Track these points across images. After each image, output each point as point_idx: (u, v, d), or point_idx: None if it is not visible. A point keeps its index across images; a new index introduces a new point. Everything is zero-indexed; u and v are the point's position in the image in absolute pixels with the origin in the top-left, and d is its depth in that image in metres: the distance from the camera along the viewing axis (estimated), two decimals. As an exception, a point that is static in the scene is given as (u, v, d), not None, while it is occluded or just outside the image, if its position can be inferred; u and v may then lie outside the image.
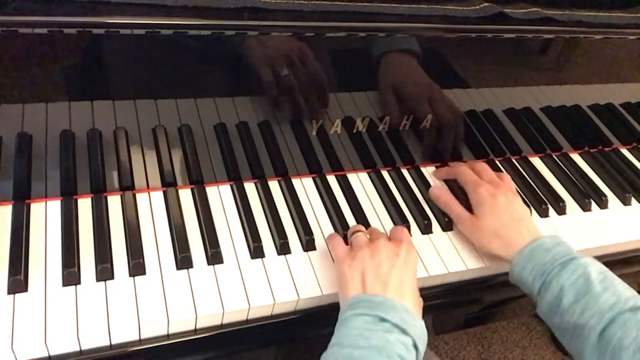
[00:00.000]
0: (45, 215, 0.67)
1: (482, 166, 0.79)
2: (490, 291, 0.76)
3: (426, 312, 0.69)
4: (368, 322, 0.54)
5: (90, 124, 0.65)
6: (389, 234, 0.68)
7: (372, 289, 0.57)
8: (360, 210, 0.77)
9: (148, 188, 0.73)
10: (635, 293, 0.59)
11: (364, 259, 0.60)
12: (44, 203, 0.69)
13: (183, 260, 0.65)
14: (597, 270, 0.62)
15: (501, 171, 0.89)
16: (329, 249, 0.69)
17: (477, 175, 0.77)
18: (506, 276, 0.69)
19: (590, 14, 0.76)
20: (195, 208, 0.72)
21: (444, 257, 0.73)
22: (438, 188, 0.79)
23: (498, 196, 0.71)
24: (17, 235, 0.64)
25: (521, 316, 0.68)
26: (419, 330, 0.56)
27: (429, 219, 0.77)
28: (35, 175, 0.67)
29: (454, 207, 0.75)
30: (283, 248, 0.69)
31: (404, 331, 0.54)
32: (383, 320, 0.54)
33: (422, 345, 0.56)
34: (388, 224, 0.77)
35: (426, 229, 0.76)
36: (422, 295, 0.68)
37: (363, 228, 0.68)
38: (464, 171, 0.78)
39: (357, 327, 0.54)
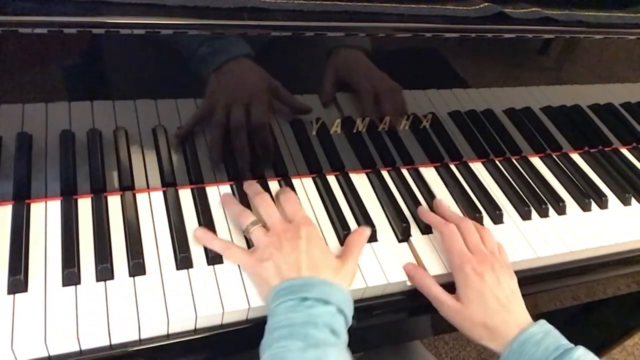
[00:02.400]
0: (45, 215, 0.67)
1: (467, 227, 0.71)
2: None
3: (426, 312, 0.70)
4: (291, 305, 0.57)
5: (90, 124, 0.65)
6: (283, 205, 0.69)
7: (288, 276, 0.60)
8: (360, 210, 0.77)
9: (148, 188, 0.73)
10: None
11: (272, 256, 0.62)
12: (44, 203, 0.69)
13: (183, 260, 0.65)
14: None
15: (502, 171, 0.89)
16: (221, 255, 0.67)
17: (462, 237, 0.70)
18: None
19: (590, 14, 0.76)
20: (195, 208, 0.72)
21: (443, 257, 0.72)
22: (413, 265, 0.71)
23: (485, 275, 0.65)
24: (17, 235, 0.64)
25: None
26: (342, 295, 0.59)
27: (429, 219, 0.77)
28: (35, 175, 0.67)
29: (432, 290, 0.67)
30: (283, 248, 0.69)
31: (326, 302, 0.57)
32: (304, 299, 0.57)
33: (348, 307, 0.59)
34: (388, 225, 0.77)
35: (426, 229, 0.76)
36: (422, 295, 0.69)
37: (250, 215, 0.68)
38: (451, 234, 0.70)
39: (282, 313, 0.57)
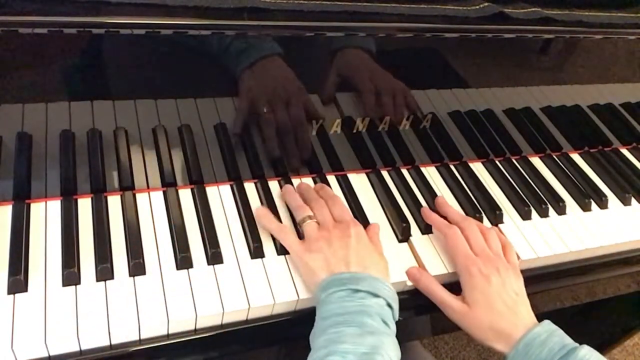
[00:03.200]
0: (45, 215, 0.67)
1: (472, 229, 0.72)
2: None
3: (426, 312, 0.70)
4: (343, 295, 0.59)
5: (90, 124, 0.65)
6: (331, 207, 0.71)
7: (338, 270, 0.62)
8: (360, 210, 0.77)
9: (148, 188, 0.73)
10: None
11: (321, 250, 0.65)
12: (44, 203, 0.69)
13: (183, 260, 0.65)
14: None
15: (502, 171, 0.89)
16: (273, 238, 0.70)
17: (466, 238, 0.71)
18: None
19: (590, 14, 0.76)
20: (195, 208, 0.72)
21: (443, 257, 0.72)
22: (417, 269, 0.70)
23: (491, 277, 0.66)
24: (17, 235, 0.64)
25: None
26: (389, 291, 0.61)
27: (429, 219, 0.77)
28: (35, 175, 0.67)
29: (438, 293, 0.67)
30: (283, 248, 0.69)
31: (376, 295, 0.59)
32: (356, 291, 0.59)
33: (395, 303, 0.61)
34: (388, 225, 0.77)
35: (426, 229, 0.76)
36: (422, 295, 0.69)
37: (308, 210, 0.70)
38: (455, 237, 0.71)
39: (335, 302, 0.58)
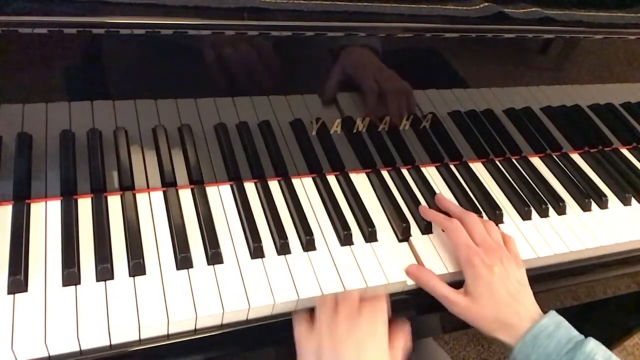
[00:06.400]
0: (45, 215, 0.67)
1: (473, 219, 0.71)
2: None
3: (428, 311, 0.70)
4: None
5: (90, 124, 0.66)
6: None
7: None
8: (360, 210, 0.77)
9: (148, 188, 0.73)
10: None
11: (320, 333, 0.59)
12: (44, 203, 0.69)
13: (183, 260, 0.65)
14: (604, 357, 0.59)
15: (502, 171, 0.89)
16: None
17: (468, 231, 0.70)
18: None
19: (590, 14, 0.76)
20: (195, 208, 0.72)
21: (443, 257, 0.72)
22: (416, 267, 0.70)
23: (494, 268, 0.65)
24: (17, 235, 0.64)
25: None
26: None
27: (429, 219, 0.77)
28: (35, 175, 0.67)
29: (439, 289, 0.67)
30: (283, 248, 0.69)
31: None
32: None
33: None
34: (388, 225, 0.77)
35: (426, 229, 0.76)
36: (421, 295, 0.69)
37: (332, 305, 0.62)
38: (456, 229, 0.70)
39: None
